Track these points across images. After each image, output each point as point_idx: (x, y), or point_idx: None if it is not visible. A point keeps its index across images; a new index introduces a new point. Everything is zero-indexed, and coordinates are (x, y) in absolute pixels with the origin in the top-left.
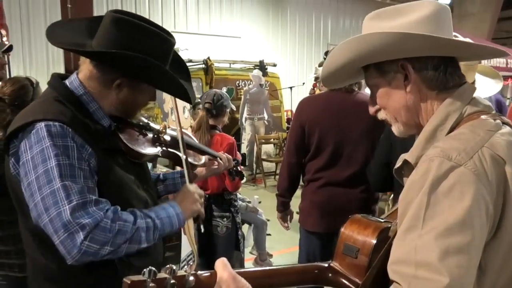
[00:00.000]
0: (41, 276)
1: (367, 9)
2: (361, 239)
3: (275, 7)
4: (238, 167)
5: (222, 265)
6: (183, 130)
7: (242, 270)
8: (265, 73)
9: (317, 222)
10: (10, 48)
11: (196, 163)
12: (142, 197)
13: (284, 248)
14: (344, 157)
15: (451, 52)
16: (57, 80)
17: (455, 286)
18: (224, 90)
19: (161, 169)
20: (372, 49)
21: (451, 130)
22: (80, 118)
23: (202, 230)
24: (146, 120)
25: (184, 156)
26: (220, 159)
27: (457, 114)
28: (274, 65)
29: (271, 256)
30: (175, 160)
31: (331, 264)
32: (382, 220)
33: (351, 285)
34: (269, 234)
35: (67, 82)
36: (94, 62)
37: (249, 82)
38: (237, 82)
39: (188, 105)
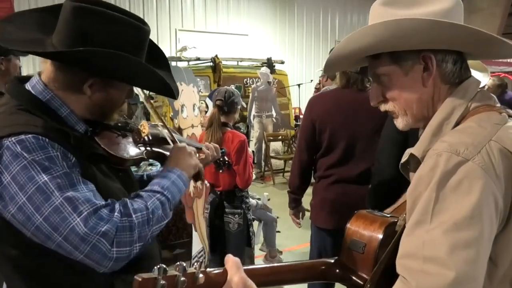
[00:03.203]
0: None
1: None
2: (367, 234)
3: (282, 4)
4: (225, 157)
5: (235, 267)
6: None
7: (251, 267)
8: (273, 71)
9: (328, 219)
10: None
11: None
12: None
13: (294, 245)
14: (356, 154)
15: (480, 49)
16: (16, 85)
17: (462, 281)
18: (232, 87)
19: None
20: (400, 35)
21: (457, 124)
22: (54, 126)
23: (207, 183)
24: (124, 120)
25: (165, 129)
26: (207, 149)
27: (462, 108)
28: (282, 63)
29: (280, 253)
30: (161, 160)
31: (338, 260)
32: (388, 215)
33: (358, 280)
34: (279, 231)
35: (28, 86)
36: (57, 63)
37: (257, 79)
38: (245, 79)
39: (197, 102)
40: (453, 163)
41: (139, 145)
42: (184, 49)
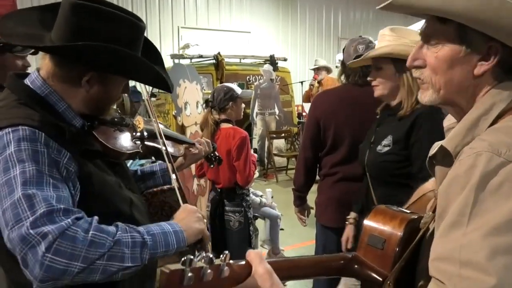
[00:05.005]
0: None
1: (377, 2)
2: (387, 230)
3: (285, 1)
4: (216, 152)
5: (259, 259)
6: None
7: (271, 260)
8: (275, 68)
9: (333, 217)
10: (35, 52)
11: (176, 154)
12: (127, 198)
13: (297, 242)
14: None
15: None
16: (16, 80)
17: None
18: (235, 85)
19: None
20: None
21: (494, 121)
22: (52, 121)
23: (211, 255)
24: (119, 115)
25: (174, 176)
26: (199, 144)
27: (503, 105)
28: (285, 60)
29: (283, 250)
30: (156, 155)
31: (356, 255)
32: (408, 212)
33: (377, 277)
34: (282, 229)
35: (27, 81)
36: (56, 57)
37: (259, 77)
38: (248, 77)
39: (201, 100)
40: (495, 164)
41: (135, 139)
42: (186, 46)
